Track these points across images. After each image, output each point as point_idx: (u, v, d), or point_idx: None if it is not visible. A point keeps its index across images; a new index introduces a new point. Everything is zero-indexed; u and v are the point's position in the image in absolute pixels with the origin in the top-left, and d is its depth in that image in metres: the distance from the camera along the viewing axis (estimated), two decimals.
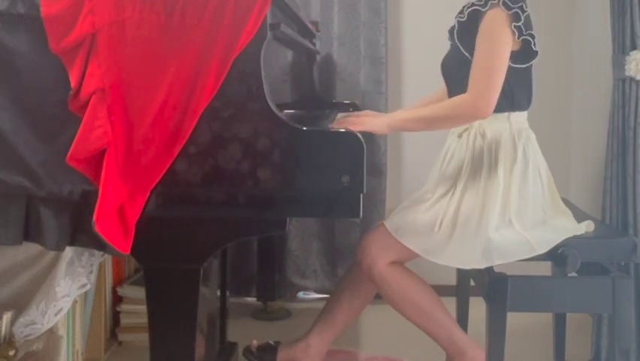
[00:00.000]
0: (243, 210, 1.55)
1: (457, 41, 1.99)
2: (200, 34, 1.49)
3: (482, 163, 1.96)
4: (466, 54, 1.95)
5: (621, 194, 2.19)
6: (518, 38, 1.89)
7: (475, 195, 1.94)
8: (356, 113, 2.36)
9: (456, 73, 1.99)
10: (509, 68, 1.91)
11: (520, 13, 1.87)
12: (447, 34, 2.09)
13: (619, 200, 2.20)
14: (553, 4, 2.96)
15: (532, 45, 1.91)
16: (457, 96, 1.94)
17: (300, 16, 2.14)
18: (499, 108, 1.95)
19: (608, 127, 2.25)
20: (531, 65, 1.98)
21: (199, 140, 1.52)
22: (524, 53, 1.93)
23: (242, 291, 3.01)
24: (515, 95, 1.97)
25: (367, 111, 2.35)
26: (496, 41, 1.89)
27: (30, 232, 1.61)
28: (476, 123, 1.99)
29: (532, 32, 1.91)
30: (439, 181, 2.04)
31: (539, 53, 1.93)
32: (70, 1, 1.52)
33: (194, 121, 1.49)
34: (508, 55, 1.90)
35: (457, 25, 2.00)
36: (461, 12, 1.99)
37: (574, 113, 3.04)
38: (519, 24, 1.87)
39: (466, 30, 1.96)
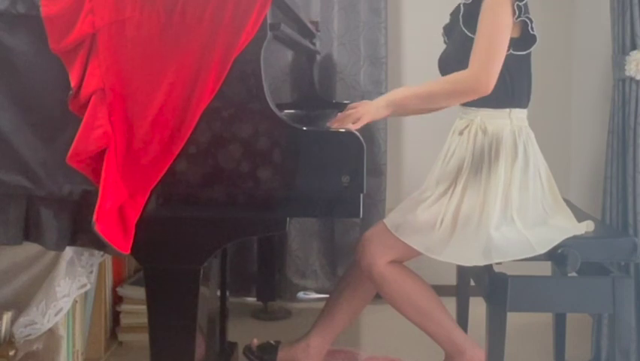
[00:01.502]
0: (243, 210, 1.55)
1: (462, 26, 1.98)
2: (200, 34, 1.49)
3: (483, 160, 1.96)
4: (473, 36, 1.93)
5: (621, 194, 2.19)
6: (517, 18, 1.89)
7: (476, 192, 1.94)
8: (351, 105, 2.35)
9: (455, 68, 1.97)
10: (510, 55, 1.91)
11: None
12: (443, 33, 2.08)
13: (619, 200, 2.20)
14: (553, 4, 2.96)
15: (530, 29, 1.91)
16: (458, 72, 1.91)
17: (300, 16, 2.14)
18: (500, 103, 1.96)
19: (608, 127, 2.25)
20: (530, 55, 1.98)
21: (199, 140, 1.52)
22: (523, 39, 1.93)
23: (242, 291, 3.01)
24: (515, 86, 1.97)
25: (356, 104, 2.35)
26: (498, 17, 1.88)
27: (30, 232, 1.61)
28: (477, 120, 1.99)
29: (530, 17, 1.91)
30: (439, 179, 2.04)
31: (538, 41, 1.93)
32: (70, 1, 1.52)
33: (194, 121, 1.49)
34: (509, 31, 1.89)
35: (462, 10, 1.99)
36: None
37: (574, 113, 3.04)
38: (521, 4, 1.88)
39: (472, 13, 1.95)
